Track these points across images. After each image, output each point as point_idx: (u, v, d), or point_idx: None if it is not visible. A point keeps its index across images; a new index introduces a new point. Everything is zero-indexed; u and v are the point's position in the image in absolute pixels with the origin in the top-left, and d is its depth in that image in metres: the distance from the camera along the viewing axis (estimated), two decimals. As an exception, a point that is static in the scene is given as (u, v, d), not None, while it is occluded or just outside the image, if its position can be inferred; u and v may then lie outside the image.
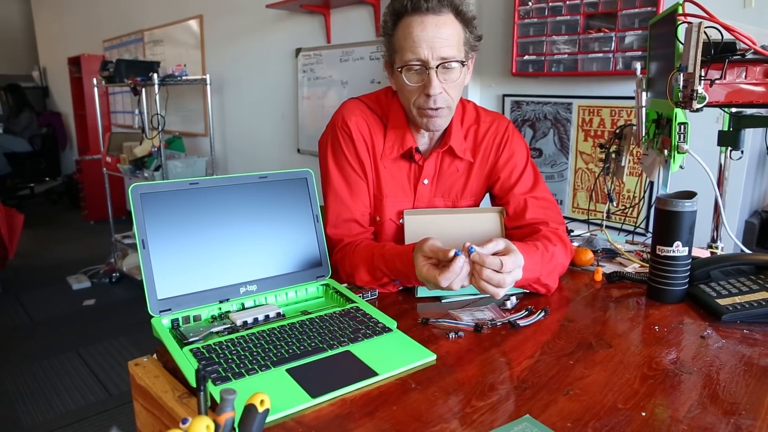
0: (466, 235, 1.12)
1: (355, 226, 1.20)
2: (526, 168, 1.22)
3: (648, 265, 1.10)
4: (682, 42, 0.90)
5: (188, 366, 0.76)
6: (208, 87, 3.95)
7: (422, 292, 1.06)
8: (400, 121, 1.19)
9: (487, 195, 1.31)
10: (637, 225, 1.81)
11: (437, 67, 1.06)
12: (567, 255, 1.14)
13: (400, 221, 1.21)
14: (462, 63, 1.08)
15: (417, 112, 1.13)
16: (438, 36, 1.05)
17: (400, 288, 1.11)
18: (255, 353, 0.81)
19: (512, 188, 1.21)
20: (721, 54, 0.89)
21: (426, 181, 1.23)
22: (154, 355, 0.86)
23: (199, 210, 0.95)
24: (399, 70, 1.09)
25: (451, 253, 0.91)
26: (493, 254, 0.93)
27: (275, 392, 0.71)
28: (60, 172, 7.26)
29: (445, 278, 0.91)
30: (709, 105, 0.91)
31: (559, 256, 1.09)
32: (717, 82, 0.91)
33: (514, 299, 1.03)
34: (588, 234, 1.45)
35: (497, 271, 0.91)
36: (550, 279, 1.06)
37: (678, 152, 0.99)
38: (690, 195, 1.02)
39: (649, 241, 1.32)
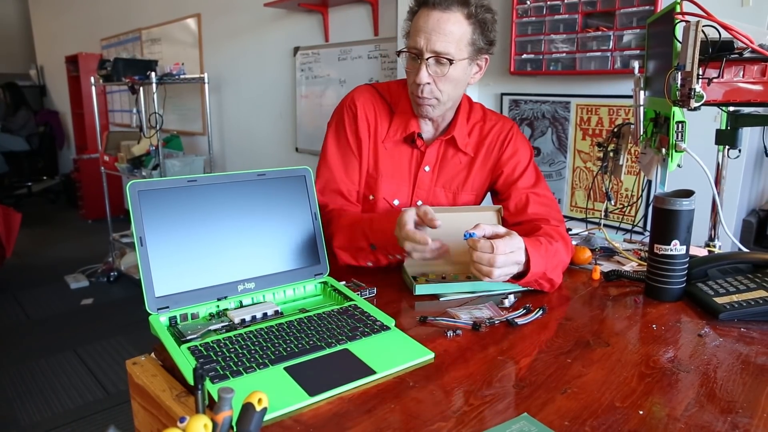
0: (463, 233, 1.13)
1: (340, 198, 1.25)
2: (528, 165, 1.25)
3: (646, 263, 1.11)
4: (680, 41, 0.90)
5: (186, 364, 0.76)
6: (206, 86, 3.94)
7: (420, 290, 1.06)
8: (407, 107, 1.24)
9: (488, 195, 1.32)
10: (635, 224, 1.81)
11: (428, 59, 1.11)
12: (568, 252, 1.14)
13: (395, 202, 1.24)
14: (450, 61, 1.11)
15: (411, 96, 1.20)
16: (437, 30, 1.09)
17: (391, 258, 1.13)
18: (253, 351, 0.81)
19: (515, 183, 1.23)
20: (719, 53, 0.89)
21: (427, 168, 1.25)
22: (152, 354, 0.86)
23: (197, 208, 0.95)
24: (398, 53, 1.17)
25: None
26: (492, 237, 0.98)
27: (273, 391, 0.71)
28: (57, 171, 7.24)
29: (409, 222, 1.01)
30: (707, 104, 0.91)
31: (562, 253, 1.10)
32: (715, 80, 0.91)
33: (512, 297, 1.03)
34: (586, 232, 1.45)
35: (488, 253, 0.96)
36: (554, 274, 1.07)
37: (676, 151, 0.99)
38: (688, 194, 1.03)
39: (647, 240, 1.32)
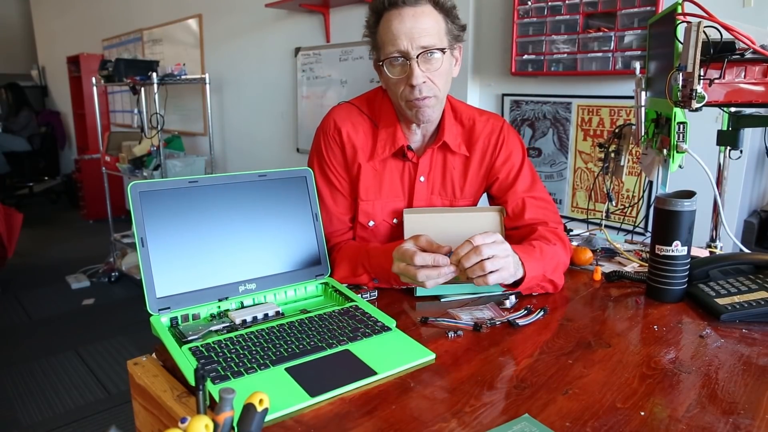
0: (466, 234, 1.12)
1: (342, 233, 1.22)
2: (522, 167, 1.22)
3: (647, 264, 1.10)
4: (682, 41, 0.90)
5: (187, 365, 0.76)
6: (207, 86, 3.94)
7: (421, 291, 1.06)
8: (391, 120, 1.19)
9: (485, 196, 1.30)
10: (636, 224, 1.81)
11: (417, 56, 1.06)
12: (567, 253, 1.14)
13: (394, 221, 1.21)
14: (442, 51, 1.09)
15: (405, 105, 1.13)
16: (416, 26, 1.06)
17: (395, 287, 1.11)
18: (254, 352, 0.81)
19: (510, 188, 1.20)
20: (720, 53, 0.89)
21: (422, 179, 1.21)
22: (153, 354, 0.86)
23: (198, 208, 0.95)
24: (380, 64, 1.11)
25: (444, 250, 0.97)
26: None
27: (274, 391, 0.71)
28: (59, 172, 7.25)
29: (420, 257, 0.95)
30: (708, 104, 0.91)
31: (560, 254, 1.09)
32: (716, 81, 0.91)
33: (513, 298, 1.03)
34: (587, 233, 1.45)
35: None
36: (555, 275, 1.07)
37: (677, 152, 0.99)
38: (689, 194, 1.03)
39: (648, 241, 1.32)
